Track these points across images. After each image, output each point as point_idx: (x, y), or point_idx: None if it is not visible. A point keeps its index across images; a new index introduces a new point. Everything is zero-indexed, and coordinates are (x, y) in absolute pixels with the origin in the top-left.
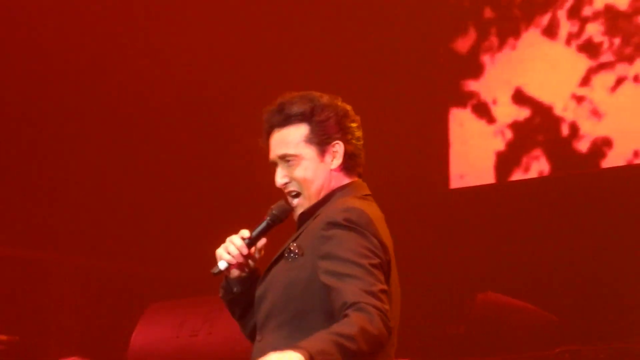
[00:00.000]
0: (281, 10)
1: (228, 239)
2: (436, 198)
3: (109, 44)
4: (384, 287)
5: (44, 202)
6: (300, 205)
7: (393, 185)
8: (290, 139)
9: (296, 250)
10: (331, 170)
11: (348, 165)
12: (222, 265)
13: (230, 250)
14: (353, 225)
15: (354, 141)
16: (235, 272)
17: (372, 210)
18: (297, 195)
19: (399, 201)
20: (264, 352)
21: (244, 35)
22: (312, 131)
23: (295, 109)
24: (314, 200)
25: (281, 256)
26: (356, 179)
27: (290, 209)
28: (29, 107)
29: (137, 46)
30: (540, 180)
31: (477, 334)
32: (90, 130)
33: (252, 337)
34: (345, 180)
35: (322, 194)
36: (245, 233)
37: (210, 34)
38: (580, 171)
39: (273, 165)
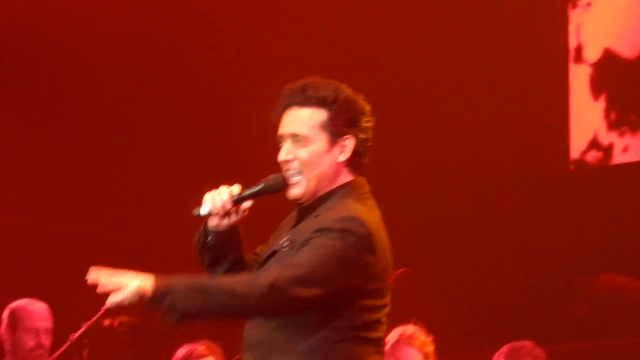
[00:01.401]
0: None
1: (219, 188)
2: (557, 177)
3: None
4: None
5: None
6: (298, 185)
7: (514, 164)
8: (306, 120)
9: (285, 244)
10: (336, 162)
11: (353, 162)
12: (203, 210)
13: (216, 200)
14: (344, 233)
15: (364, 140)
16: (213, 221)
17: (372, 215)
18: (297, 175)
19: (519, 180)
20: (256, 341)
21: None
22: (329, 119)
23: (319, 93)
24: (312, 184)
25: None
26: (357, 176)
27: (285, 185)
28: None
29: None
30: None
31: (599, 316)
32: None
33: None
34: (348, 177)
35: (323, 184)
36: (236, 189)
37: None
38: None
39: (279, 140)
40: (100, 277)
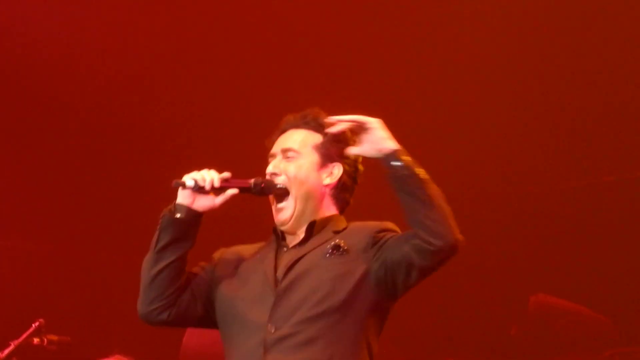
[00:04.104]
0: None
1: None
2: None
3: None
4: None
5: (93, 203)
6: (286, 209)
7: (453, 182)
8: (300, 139)
9: (345, 247)
10: (322, 185)
11: (338, 194)
12: (189, 182)
13: (205, 175)
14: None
15: (351, 176)
16: (188, 198)
17: None
18: (283, 193)
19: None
20: (291, 345)
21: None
22: (323, 143)
23: (319, 119)
24: (300, 205)
25: (307, 255)
26: (340, 212)
27: (271, 192)
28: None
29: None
30: (597, 183)
31: (529, 336)
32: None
33: (161, 277)
34: (333, 208)
35: (309, 206)
36: (226, 174)
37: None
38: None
39: (270, 158)
40: None
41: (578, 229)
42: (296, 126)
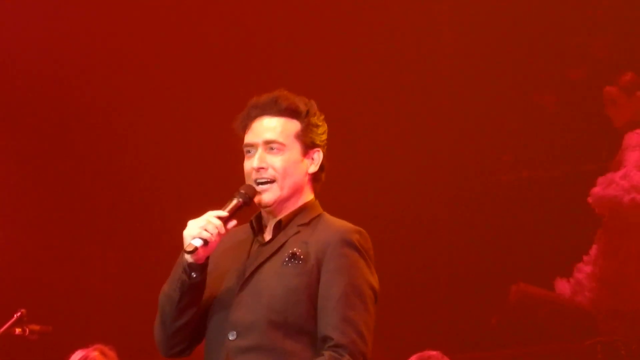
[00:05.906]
0: None
1: (203, 218)
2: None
3: None
4: (371, 319)
5: (81, 196)
6: (269, 191)
7: (431, 173)
8: (283, 129)
9: (302, 257)
10: (306, 173)
11: (318, 176)
12: (197, 242)
13: (209, 229)
14: (364, 251)
15: (324, 156)
16: (200, 254)
17: None
18: (268, 183)
19: (438, 190)
20: (251, 354)
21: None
22: (302, 130)
23: (292, 104)
24: (285, 193)
25: (271, 258)
26: (315, 192)
27: (256, 192)
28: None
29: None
30: (579, 173)
31: (510, 325)
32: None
33: (183, 329)
34: (310, 191)
35: (294, 194)
36: (221, 213)
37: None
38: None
39: (248, 148)
40: None
41: (555, 218)
42: (270, 114)
